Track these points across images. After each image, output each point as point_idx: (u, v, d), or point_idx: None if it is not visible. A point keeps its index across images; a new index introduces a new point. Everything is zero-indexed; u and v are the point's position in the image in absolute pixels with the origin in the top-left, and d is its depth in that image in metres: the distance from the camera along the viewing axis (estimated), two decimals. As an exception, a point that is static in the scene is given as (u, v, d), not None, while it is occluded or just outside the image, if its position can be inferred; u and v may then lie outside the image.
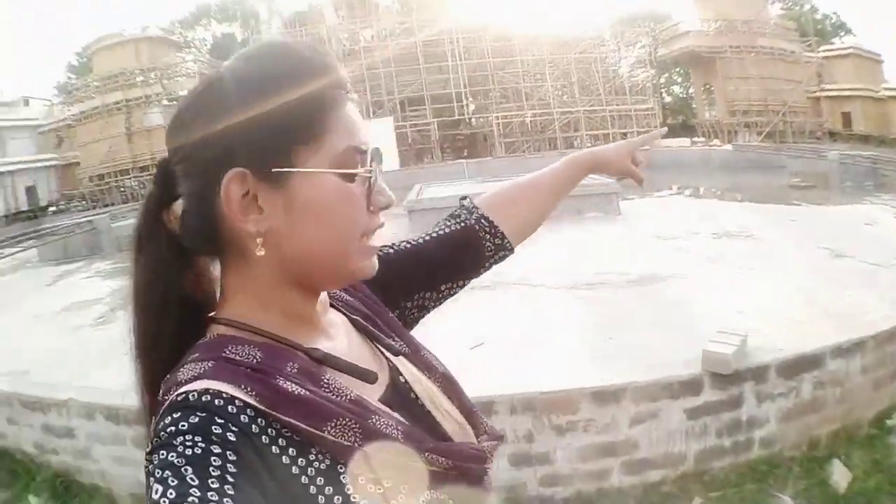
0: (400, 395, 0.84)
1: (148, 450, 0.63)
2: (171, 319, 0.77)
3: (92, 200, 33.31)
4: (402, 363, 0.89)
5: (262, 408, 0.66)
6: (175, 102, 34.29)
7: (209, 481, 0.58)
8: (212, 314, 0.79)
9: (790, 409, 4.03)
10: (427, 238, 1.11)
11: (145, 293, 0.77)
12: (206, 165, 0.72)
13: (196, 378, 0.67)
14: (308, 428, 0.67)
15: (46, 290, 12.95)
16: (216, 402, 0.64)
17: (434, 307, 1.11)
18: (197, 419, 0.62)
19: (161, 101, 33.01)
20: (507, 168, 22.41)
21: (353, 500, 0.67)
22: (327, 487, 0.67)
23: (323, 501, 0.66)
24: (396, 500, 0.69)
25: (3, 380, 5.40)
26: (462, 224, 1.13)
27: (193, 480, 0.58)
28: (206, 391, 0.65)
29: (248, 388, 0.66)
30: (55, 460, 4.79)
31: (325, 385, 0.73)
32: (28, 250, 17.31)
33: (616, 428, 3.82)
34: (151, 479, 0.59)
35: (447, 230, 1.12)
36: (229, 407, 0.64)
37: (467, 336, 5.80)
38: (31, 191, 36.03)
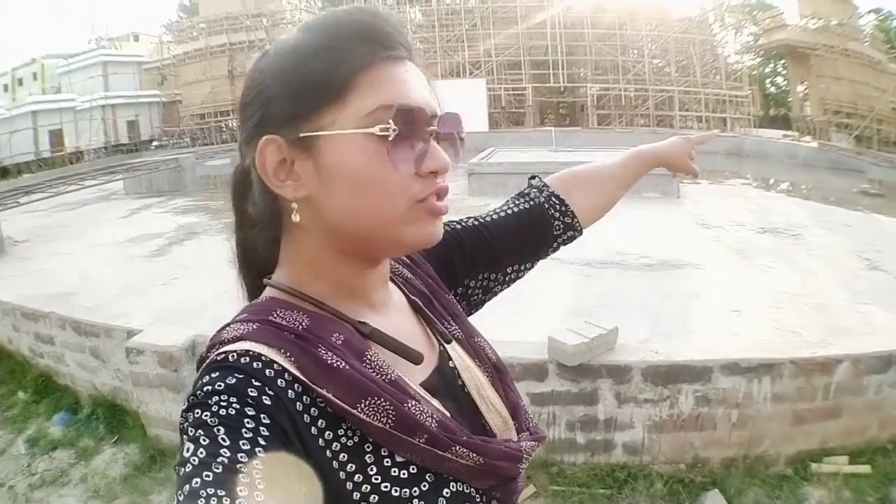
0: (446, 381, 0.82)
1: (184, 407, 0.64)
2: (252, 275, 0.84)
3: (192, 138, 34.54)
4: (453, 349, 0.87)
5: (300, 375, 0.66)
6: None
7: (240, 443, 0.58)
8: (266, 278, 0.80)
9: (663, 420, 3.62)
10: (495, 216, 1.08)
11: (238, 239, 0.84)
12: (251, 136, 0.73)
13: (239, 339, 0.68)
14: (341, 403, 0.66)
15: (121, 221, 13.86)
16: (255, 364, 0.64)
17: (500, 290, 1.08)
18: (234, 380, 0.63)
19: (264, 46, 33.42)
20: (594, 140, 22.38)
21: (374, 481, 0.67)
22: (350, 465, 0.67)
23: (343, 477, 0.66)
24: (418, 489, 0.69)
25: (8, 294, 6.06)
26: (532, 202, 1.11)
27: (224, 441, 0.58)
28: (247, 352, 0.65)
29: (288, 354, 0.67)
30: (41, 363, 5.46)
31: (368, 361, 0.72)
32: (116, 182, 18.26)
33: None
34: (185, 436, 0.60)
35: (516, 208, 1.09)
36: (267, 370, 0.65)
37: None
38: (132, 125, 37.45)
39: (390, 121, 0.68)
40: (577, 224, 1.13)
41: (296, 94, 0.70)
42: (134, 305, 6.69)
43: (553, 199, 1.12)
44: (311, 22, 0.76)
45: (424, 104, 0.72)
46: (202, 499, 0.54)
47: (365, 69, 0.69)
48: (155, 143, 36.31)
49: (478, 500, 0.74)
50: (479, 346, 0.90)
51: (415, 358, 0.76)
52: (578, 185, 1.15)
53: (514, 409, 0.85)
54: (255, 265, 0.83)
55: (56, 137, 34.16)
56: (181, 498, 0.55)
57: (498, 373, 0.88)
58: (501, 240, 1.04)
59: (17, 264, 10.39)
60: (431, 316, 0.88)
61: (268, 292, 0.78)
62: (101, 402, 4.80)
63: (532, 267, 1.11)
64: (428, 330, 0.87)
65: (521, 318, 5.20)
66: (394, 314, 0.84)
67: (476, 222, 1.05)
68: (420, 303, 0.89)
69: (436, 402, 0.76)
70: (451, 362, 0.85)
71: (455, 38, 31.63)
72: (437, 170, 0.72)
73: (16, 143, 31.01)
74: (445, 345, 0.86)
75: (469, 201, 12.24)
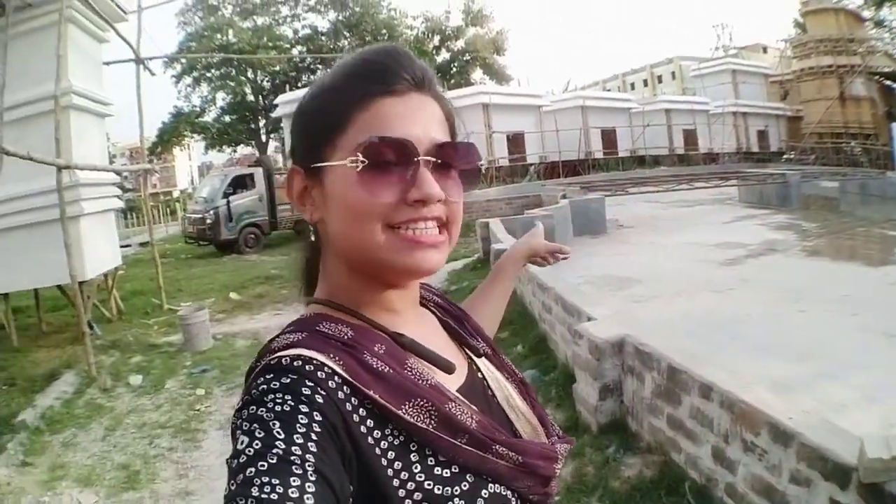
0: (477, 390, 0.85)
1: (237, 406, 0.67)
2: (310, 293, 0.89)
3: (816, 156, 33.81)
4: (482, 363, 0.92)
5: (349, 378, 0.69)
6: (874, 76, 34.86)
7: (294, 436, 0.61)
8: (309, 297, 0.87)
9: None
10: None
11: (304, 262, 0.93)
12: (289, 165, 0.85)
13: (290, 346, 0.71)
14: (387, 404, 0.69)
15: (721, 225, 14.18)
16: (307, 367, 0.67)
17: None
18: (288, 380, 0.66)
19: (863, 73, 32.36)
20: None
21: (418, 479, 0.69)
22: (397, 462, 0.69)
23: (391, 474, 0.68)
24: (459, 488, 0.70)
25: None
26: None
27: (280, 434, 0.61)
28: (299, 357, 0.68)
29: (337, 359, 0.70)
30: (542, 327, 6.48)
31: (409, 368, 0.75)
32: (732, 187, 18.82)
33: None
34: (238, 431, 0.63)
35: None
36: (319, 372, 0.67)
37: None
38: (762, 134, 38.31)
39: (358, 154, 0.73)
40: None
41: (308, 129, 0.81)
42: (668, 304, 6.94)
43: None
44: (335, 63, 0.83)
45: (416, 136, 0.75)
46: (256, 486, 0.57)
47: (360, 105, 0.75)
48: (785, 155, 36.56)
49: (514, 503, 0.76)
50: (506, 362, 0.96)
51: (448, 367, 0.79)
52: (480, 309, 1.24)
53: (542, 418, 0.89)
54: (308, 280, 0.91)
55: (689, 136, 36.45)
56: (233, 487, 0.58)
57: (524, 386, 0.93)
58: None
59: (609, 244, 11.59)
60: (463, 333, 0.94)
61: (311, 308, 0.83)
62: (565, 371, 5.10)
63: None
64: (459, 347, 0.92)
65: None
66: (426, 330, 0.87)
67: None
68: (451, 322, 0.95)
69: (473, 406, 0.78)
70: (480, 373, 0.90)
71: None
72: (421, 199, 0.74)
73: (650, 137, 33.66)
74: (476, 359, 0.91)
75: None
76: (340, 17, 43.18)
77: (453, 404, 0.74)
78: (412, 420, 0.69)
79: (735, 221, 14.71)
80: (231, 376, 6.38)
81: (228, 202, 16.86)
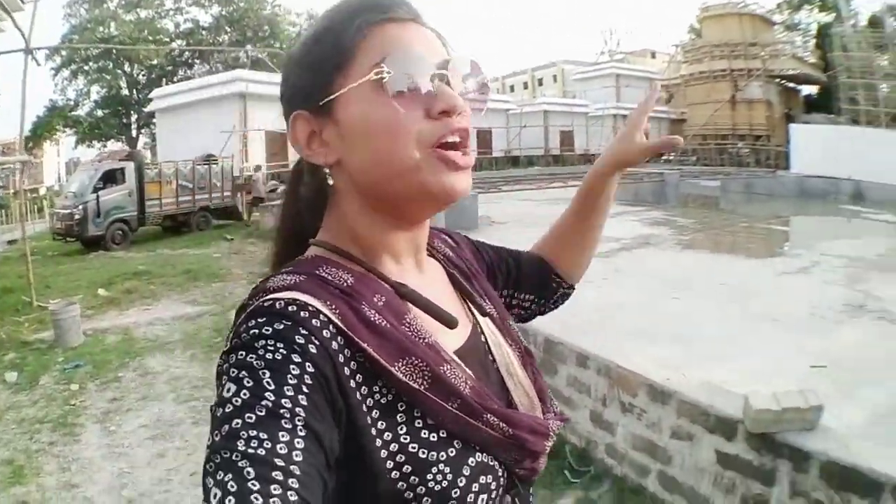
0: (477, 353, 0.83)
1: (225, 349, 0.65)
2: (291, 243, 0.85)
3: (697, 157, 35.56)
4: (487, 324, 0.88)
5: (343, 328, 0.66)
6: (775, 79, 36.16)
7: (285, 388, 0.59)
8: (312, 240, 0.82)
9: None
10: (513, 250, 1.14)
11: (286, 213, 0.87)
12: (286, 115, 0.79)
13: (286, 288, 0.69)
14: (380, 359, 0.67)
15: None
16: (302, 313, 0.65)
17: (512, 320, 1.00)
18: (282, 326, 0.63)
19: (762, 76, 34.03)
20: None
21: (402, 440, 0.67)
22: (381, 422, 0.67)
23: (374, 433, 0.66)
24: (445, 454, 0.68)
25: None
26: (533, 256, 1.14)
27: (269, 384, 0.59)
28: (294, 301, 0.66)
29: (333, 307, 0.67)
30: None
31: (407, 324, 0.73)
32: None
33: None
34: (225, 377, 0.61)
35: (527, 254, 1.15)
36: (314, 320, 0.65)
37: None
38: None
39: (383, 65, 0.70)
40: (565, 284, 1.15)
41: (310, 69, 0.76)
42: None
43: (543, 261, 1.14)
44: (322, 13, 0.80)
45: (430, 54, 0.74)
46: (242, 440, 0.55)
47: (365, 32, 0.73)
48: (664, 157, 37.83)
49: (500, 473, 0.73)
50: (512, 330, 0.91)
51: (450, 322, 0.77)
52: (554, 246, 1.15)
53: (541, 392, 0.86)
54: (298, 234, 0.84)
55: (566, 137, 37.92)
56: (217, 437, 0.56)
57: (528, 356, 0.89)
58: (526, 269, 1.10)
59: (481, 238, 11.43)
60: (469, 289, 0.90)
61: (311, 251, 0.80)
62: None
63: (539, 312, 1.15)
64: (464, 304, 0.89)
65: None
66: (431, 282, 0.85)
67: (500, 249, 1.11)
68: (458, 277, 0.91)
69: (469, 370, 0.75)
70: (483, 336, 0.86)
71: None
72: (448, 109, 0.72)
73: (526, 138, 34.95)
74: (480, 320, 0.87)
75: None
76: (223, 12, 42.68)
77: (448, 366, 0.72)
78: (403, 378, 0.67)
79: (609, 219, 15.22)
80: (104, 371, 6.37)
81: (98, 197, 16.23)
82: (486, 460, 0.71)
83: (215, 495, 0.53)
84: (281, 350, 0.61)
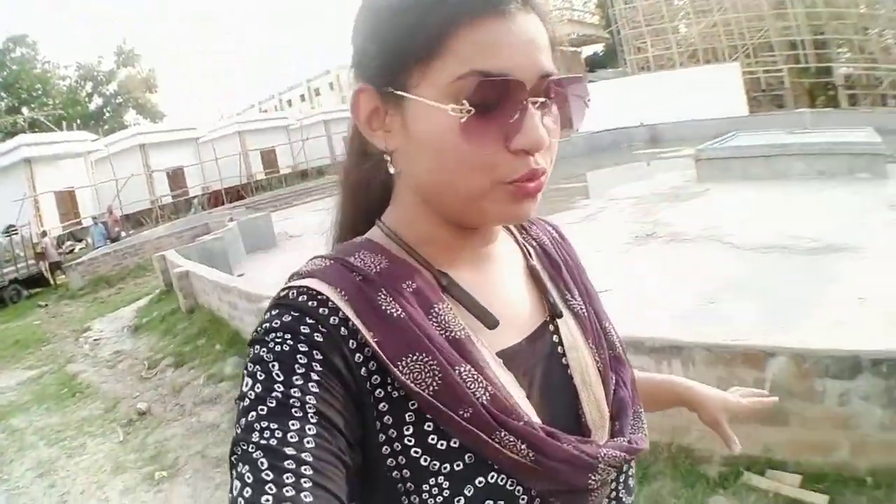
0: (539, 355, 0.75)
1: (249, 342, 0.66)
2: (359, 213, 0.83)
3: None
4: (565, 325, 0.79)
5: (351, 316, 0.65)
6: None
7: (293, 378, 0.60)
8: (378, 219, 0.78)
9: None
10: None
11: (348, 190, 0.85)
12: (352, 83, 0.72)
13: (308, 274, 0.69)
14: (382, 353, 0.63)
15: None
16: (310, 302, 0.65)
17: None
18: (289, 318, 0.64)
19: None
20: (846, 120, 19.78)
21: (406, 442, 0.64)
22: (387, 417, 0.64)
23: (379, 427, 0.64)
24: (450, 466, 0.63)
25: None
26: None
27: (279, 376, 0.60)
28: (305, 290, 0.66)
29: (345, 294, 0.66)
30: (233, 324, 7.65)
31: (434, 314, 0.68)
32: None
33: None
34: (245, 371, 0.63)
35: None
36: (321, 309, 0.65)
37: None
38: None
39: (464, 101, 0.62)
40: None
41: (386, 46, 0.66)
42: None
43: None
44: None
45: (524, 67, 0.63)
46: (256, 432, 0.57)
47: (456, 26, 0.62)
48: None
49: (523, 502, 0.65)
50: (605, 331, 0.83)
51: (487, 320, 0.71)
52: None
53: (620, 409, 0.77)
54: (363, 203, 0.82)
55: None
56: (238, 430, 0.59)
57: (617, 363, 0.81)
58: None
59: (282, 254, 13.09)
60: (547, 285, 0.82)
61: (370, 233, 0.77)
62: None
63: None
64: (540, 300, 0.81)
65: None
66: (496, 272, 0.79)
67: None
68: (539, 268, 0.83)
69: (505, 376, 0.69)
70: (556, 337, 0.78)
71: (711, 24, 31.09)
72: (527, 148, 0.64)
73: (311, 150, 35.35)
74: (557, 318, 0.79)
75: (692, 188, 12.25)
76: None
77: (467, 368, 0.65)
78: (405, 380, 0.63)
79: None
80: None
81: None
82: (503, 483, 0.64)
83: (235, 486, 0.55)
84: (288, 341, 0.62)
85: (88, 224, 24.26)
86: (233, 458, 0.58)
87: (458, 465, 0.63)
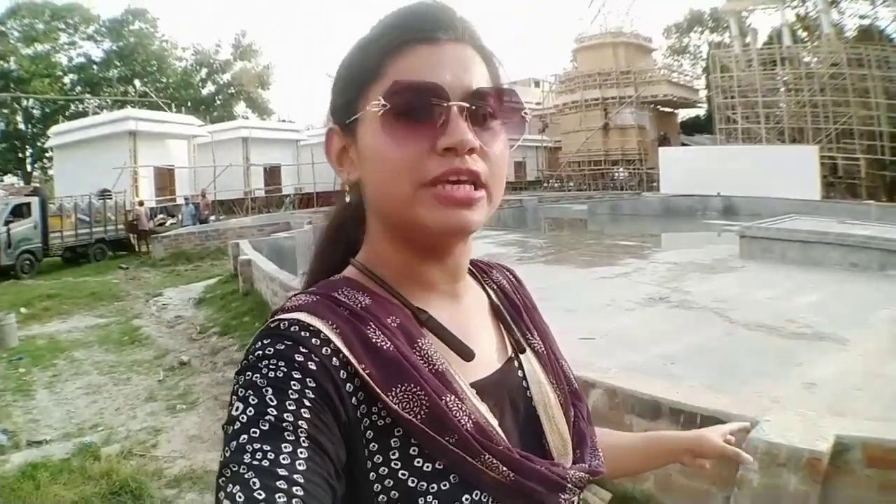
0: (507, 388, 0.80)
1: (237, 370, 0.67)
2: (336, 254, 0.85)
3: (571, 182, 37.34)
4: (528, 360, 0.85)
5: (342, 348, 0.67)
6: (649, 105, 37.41)
7: (287, 403, 0.61)
8: (352, 258, 0.82)
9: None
10: None
11: (329, 231, 0.89)
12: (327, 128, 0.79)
13: (295, 309, 0.71)
14: (373, 383, 0.66)
15: None
16: (303, 333, 0.67)
17: None
18: (283, 346, 0.65)
19: (633, 102, 35.27)
20: None
21: (394, 466, 0.66)
22: (373, 444, 0.67)
23: (366, 455, 0.66)
24: (437, 486, 0.67)
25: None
26: None
27: (272, 401, 0.61)
28: (297, 322, 0.68)
29: (336, 327, 0.68)
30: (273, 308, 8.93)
31: (418, 348, 0.72)
32: None
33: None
34: (234, 396, 0.64)
35: None
36: (313, 339, 0.66)
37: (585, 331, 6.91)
38: (520, 165, 42.00)
39: (380, 97, 0.68)
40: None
41: (343, 84, 0.77)
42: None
43: None
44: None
45: (447, 81, 0.69)
46: (248, 453, 0.58)
47: (392, 54, 0.71)
48: (544, 184, 39.59)
49: None
50: (562, 368, 0.88)
51: (465, 353, 0.75)
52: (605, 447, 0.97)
53: (580, 438, 0.82)
54: (340, 244, 0.86)
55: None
56: (227, 454, 0.59)
57: (574, 398, 0.85)
58: None
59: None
60: (511, 323, 0.87)
61: (346, 271, 0.80)
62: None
63: None
64: (505, 337, 0.86)
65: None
66: (465, 310, 0.83)
67: None
68: (502, 308, 0.88)
69: (481, 406, 0.73)
70: (520, 371, 0.83)
71: (799, 103, 30.80)
72: (452, 146, 0.68)
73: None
74: (520, 354, 0.84)
75: (731, 262, 12.37)
76: (114, 47, 43.80)
77: (452, 398, 0.69)
78: (396, 407, 0.66)
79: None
80: (41, 361, 8.51)
81: (9, 230, 17.55)
82: (486, 501, 0.68)
83: None
84: (282, 368, 0.64)
85: (181, 203, 26.28)
86: (220, 481, 0.58)
87: (444, 485, 0.66)
